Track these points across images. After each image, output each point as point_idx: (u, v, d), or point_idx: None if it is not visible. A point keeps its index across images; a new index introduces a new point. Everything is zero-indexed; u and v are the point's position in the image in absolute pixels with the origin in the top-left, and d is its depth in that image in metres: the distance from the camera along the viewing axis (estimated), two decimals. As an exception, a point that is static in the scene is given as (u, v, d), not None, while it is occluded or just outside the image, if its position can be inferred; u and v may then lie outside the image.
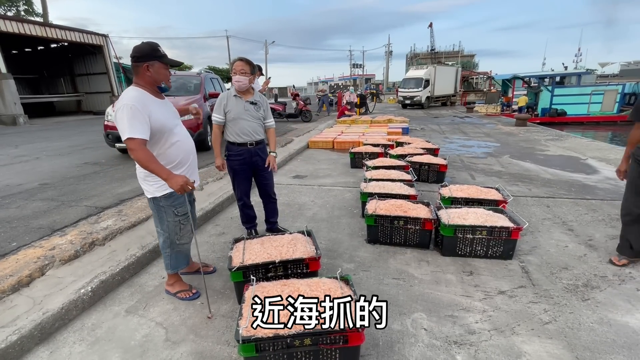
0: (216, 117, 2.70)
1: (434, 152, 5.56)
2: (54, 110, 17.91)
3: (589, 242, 2.85)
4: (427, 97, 20.18)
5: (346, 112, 13.01)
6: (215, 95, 6.75)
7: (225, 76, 38.40)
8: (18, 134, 10.27)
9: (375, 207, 2.90)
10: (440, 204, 2.99)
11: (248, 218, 3.00)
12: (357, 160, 5.52)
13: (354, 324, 1.46)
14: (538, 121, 14.28)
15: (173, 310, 2.10)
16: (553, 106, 15.63)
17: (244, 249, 2.22)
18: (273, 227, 3.09)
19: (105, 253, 2.58)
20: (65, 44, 15.44)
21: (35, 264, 2.29)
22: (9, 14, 21.30)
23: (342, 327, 1.46)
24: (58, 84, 18.15)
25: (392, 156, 5.21)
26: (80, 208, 3.46)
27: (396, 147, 6.00)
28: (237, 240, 2.38)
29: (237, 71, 2.61)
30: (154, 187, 1.92)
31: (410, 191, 3.38)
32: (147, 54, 1.81)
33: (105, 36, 15.93)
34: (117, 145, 5.83)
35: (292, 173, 5.43)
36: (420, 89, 19.76)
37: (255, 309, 1.49)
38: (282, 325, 1.45)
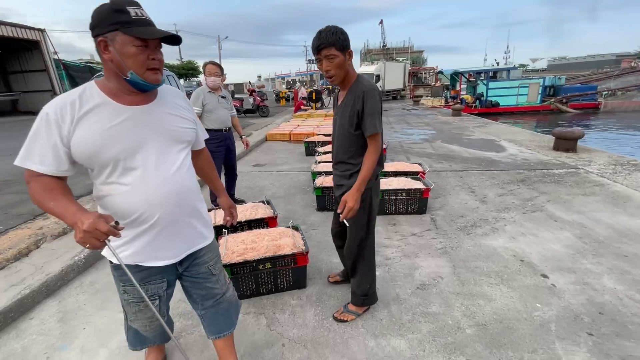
0: (196, 109, 3.24)
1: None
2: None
3: (483, 199, 3.78)
4: (379, 92, 21.44)
5: (302, 107, 13.63)
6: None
7: (178, 72, 37.04)
8: (-51, 137, 9.47)
9: (322, 181, 3.57)
10: (373, 176, 3.74)
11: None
12: (311, 149, 6.18)
13: (302, 250, 2.10)
14: (476, 112, 15.99)
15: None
16: (488, 98, 17.56)
17: (215, 215, 2.76)
18: (232, 197, 3.74)
19: (89, 230, 2.96)
20: (-6, 38, 14.18)
21: (29, 240, 2.63)
22: None
23: (292, 252, 2.09)
24: (-14, 83, 16.53)
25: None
26: (54, 198, 3.71)
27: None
28: (208, 210, 2.91)
29: (211, 73, 3.27)
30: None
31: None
32: (102, 21, 0.97)
33: (42, 31, 14.85)
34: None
35: (252, 162, 5.95)
36: (371, 84, 20.93)
37: (228, 247, 2.07)
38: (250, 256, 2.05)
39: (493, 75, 19.28)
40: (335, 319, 1.93)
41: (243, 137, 3.74)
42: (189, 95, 4.74)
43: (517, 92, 17.83)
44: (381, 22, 64.72)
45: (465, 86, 19.44)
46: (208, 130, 3.32)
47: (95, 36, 0.98)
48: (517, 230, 2.97)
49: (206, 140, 3.32)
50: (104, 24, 0.96)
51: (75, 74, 16.01)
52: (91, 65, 18.07)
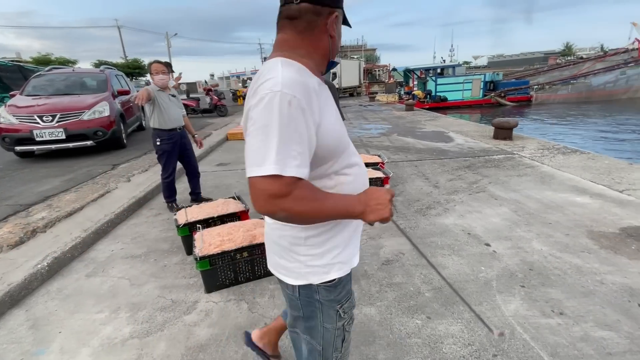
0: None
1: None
2: None
3: (435, 184, 4.18)
4: (336, 89, 21.93)
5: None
6: (125, 93, 6.67)
7: (123, 71, 34.49)
8: None
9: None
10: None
11: (172, 192, 3.60)
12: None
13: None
14: (427, 107, 17.01)
15: (130, 268, 2.58)
16: (437, 93, 18.78)
17: (186, 213, 2.80)
18: (198, 197, 3.79)
19: (49, 238, 2.84)
20: None
21: (-18, 251, 2.47)
22: None
23: (267, 240, 2.23)
24: None
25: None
26: (2, 207, 3.45)
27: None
28: (179, 209, 2.93)
29: (158, 71, 3.22)
30: (308, 265, 0.90)
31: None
32: None
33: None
34: (17, 148, 5.40)
35: (215, 162, 5.91)
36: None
37: (205, 240, 2.16)
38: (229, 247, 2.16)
39: (440, 72, 20.58)
40: None
41: (195, 136, 3.74)
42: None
43: (462, 87, 19.24)
44: (335, 20, 65.45)
45: (416, 82, 20.59)
46: (162, 130, 3.34)
47: (332, 6, 0.82)
48: (465, 209, 3.37)
49: (161, 141, 3.23)
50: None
51: (3, 74, 14.35)
52: (20, 64, 16.27)
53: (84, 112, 5.45)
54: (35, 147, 5.35)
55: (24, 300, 2.23)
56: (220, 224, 2.74)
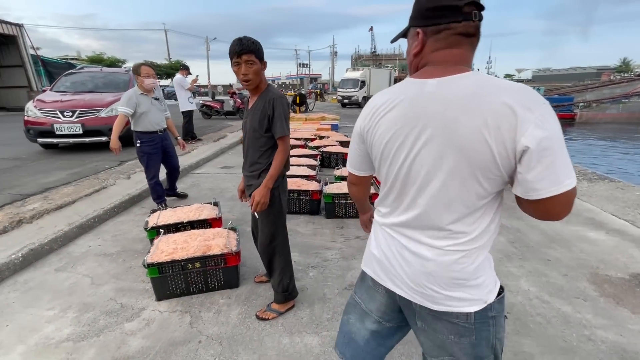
0: (126, 109, 3.22)
1: (348, 143, 6.50)
2: (-45, 106, 15.81)
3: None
4: (364, 97, 21.74)
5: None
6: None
7: (165, 72, 36.68)
8: None
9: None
10: (327, 180, 3.83)
11: (160, 193, 3.62)
12: (281, 152, 6.24)
13: (232, 251, 2.16)
14: None
15: (98, 266, 2.60)
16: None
17: (158, 216, 2.79)
18: (175, 192, 4.01)
19: (33, 229, 2.95)
20: (-31, 32, 13.81)
21: (-35, 237, 2.61)
22: None
23: (224, 252, 2.15)
24: (-40, 77, 16.03)
25: (310, 147, 6.02)
26: (4, 195, 3.67)
27: (319, 139, 6.85)
28: (153, 211, 2.94)
29: (149, 75, 3.31)
30: (487, 285, 0.88)
31: (311, 172, 4.19)
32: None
33: (19, 26, 14.54)
34: (40, 140, 5.80)
35: (221, 164, 5.97)
36: (356, 89, 21.22)
37: (159, 246, 2.11)
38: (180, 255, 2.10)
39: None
40: (257, 317, 1.99)
41: (178, 138, 3.86)
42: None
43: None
44: (371, 29, 65.65)
45: None
46: (143, 132, 3.38)
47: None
48: (457, 234, 3.10)
49: (142, 143, 3.27)
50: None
51: (55, 71, 15.70)
52: (71, 62, 17.72)
53: (102, 109, 5.75)
54: (55, 140, 5.72)
55: (-10, 289, 2.30)
56: (190, 229, 2.71)
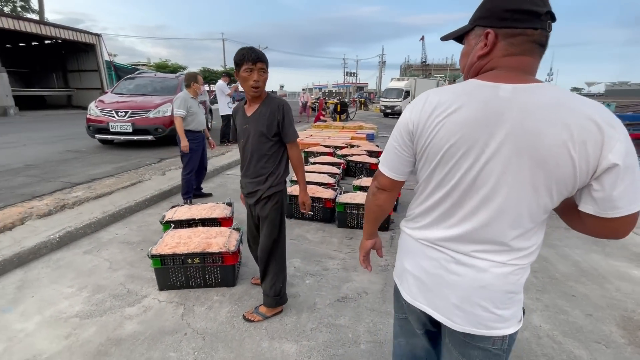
0: (182, 112, 3.64)
1: (377, 154, 6.40)
2: (44, 104, 18.43)
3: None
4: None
5: (321, 118, 13.88)
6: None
7: (220, 78, 39.34)
8: (8, 124, 10.85)
9: (292, 189, 3.69)
10: (343, 189, 3.81)
11: (189, 189, 3.93)
12: (308, 158, 6.32)
13: (229, 250, 2.24)
14: None
15: (119, 253, 2.85)
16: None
17: (175, 211, 2.99)
18: (200, 191, 4.29)
19: (73, 214, 3.32)
20: (59, 41, 16.09)
21: (17, 216, 3.03)
22: (6, 9, 21.77)
23: (221, 251, 2.24)
24: (50, 79, 18.70)
25: (338, 156, 6.03)
26: (57, 182, 4.19)
27: (349, 148, 6.83)
28: (173, 206, 3.15)
29: (200, 83, 3.82)
30: (520, 305, 0.88)
31: (330, 180, 4.19)
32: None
33: (98, 35, 16.61)
34: (97, 136, 6.54)
35: (251, 167, 6.22)
36: (400, 99, 20.80)
37: (165, 239, 2.26)
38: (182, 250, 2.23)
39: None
40: (244, 318, 2.04)
41: (210, 138, 4.15)
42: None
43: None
44: (422, 39, 64.25)
45: None
46: (191, 131, 3.73)
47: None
48: (472, 256, 2.89)
49: (190, 141, 3.63)
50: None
51: (124, 75, 17.64)
52: (138, 67, 19.75)
53: (150, 110, 6.34)
54: (110, 137, 6.41)
55: (28, 263, 2.63)
56: (202, 226, 2.86)
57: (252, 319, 2.02)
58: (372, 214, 1.08)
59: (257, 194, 1.92)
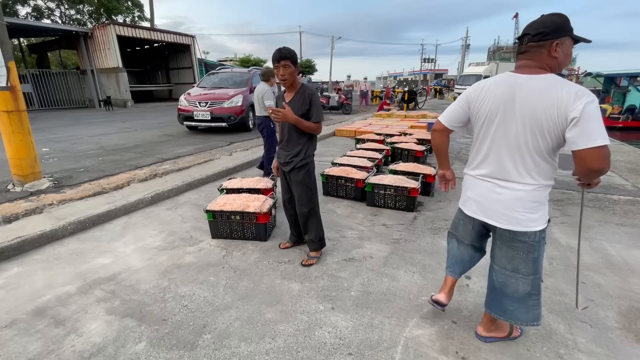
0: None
1: (428, 142, 6.39)
2: (152, 97, 22.16)
3: (488, 210, 3.69)
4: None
5: (385, 107, 13.82)
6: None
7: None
8: (127, 114, 13.58)
9: (329, 170, 4.15)
10: (375, 172, 4.11)
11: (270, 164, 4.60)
12: (356, 145, 6.65)
13: (261, 211, 2.83)
14: (620, 125, 12.76)
15: (189, 211, 3.70)
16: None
17: (230, 182, 3.72)
18: (268, 174, 4.78)
19: (161, 182, 4.35)
20: (163, 43, 19.09)
21: (125, 180, 4.14)
22: (127, 20, 26.42)
23: (255, 211, 2.85)
24: (156, 76, 22.35)
25: (387, 143, 6.23)
26: (153, 158, 5.40)
27: (402, 136, 6.94)
28: (230, 178, 3.90)
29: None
30: (546, 210, 1.47)
31: (368, 164, 4.51)
32: (560, 28, 1.34)
33: (192, 37, 19.18)
34: (185, 123, 7.93)
35: (306, 152, 6.84)
36: (478, 86, 19.17)
37: (217, 200, 2.97)
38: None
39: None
40: (302, 264, 2.57)
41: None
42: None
43: (689, 103, 13.46)
44: (516, 16, 56.83)
45: (613, 93, 15.65)
46: (267, 118, 4.45)
47: (552, 39, 1.34)
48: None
49: (273, 125, 4.33)
50: (560, 31, 1.34)
51: (209, 69, 20.14)
52: (222, 63, 22.17)
53: (224, 101, 7.41)
54: (194, 123, 7.72)
55: (131, 213, 3.65)
56: (247, 194, 3.53)
57: (309, 263, 2.56)
58: (435, 151, 1.77)
59: (291, 163, 2.44)
